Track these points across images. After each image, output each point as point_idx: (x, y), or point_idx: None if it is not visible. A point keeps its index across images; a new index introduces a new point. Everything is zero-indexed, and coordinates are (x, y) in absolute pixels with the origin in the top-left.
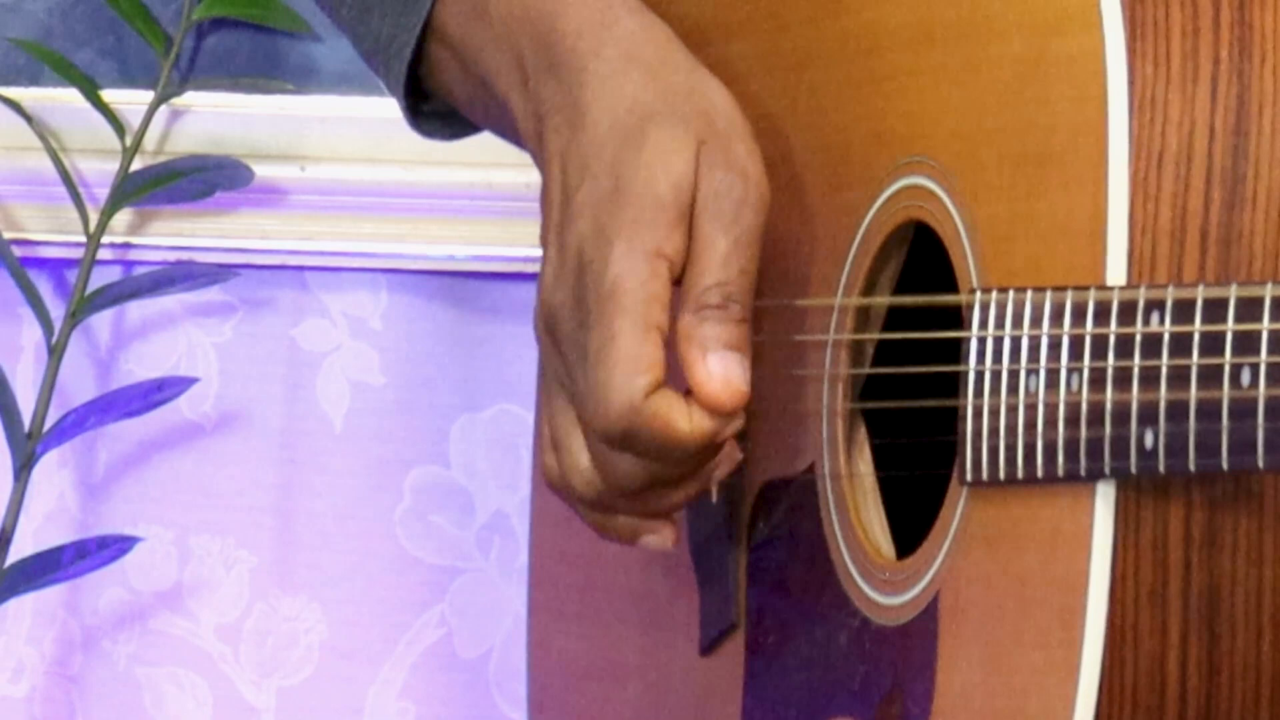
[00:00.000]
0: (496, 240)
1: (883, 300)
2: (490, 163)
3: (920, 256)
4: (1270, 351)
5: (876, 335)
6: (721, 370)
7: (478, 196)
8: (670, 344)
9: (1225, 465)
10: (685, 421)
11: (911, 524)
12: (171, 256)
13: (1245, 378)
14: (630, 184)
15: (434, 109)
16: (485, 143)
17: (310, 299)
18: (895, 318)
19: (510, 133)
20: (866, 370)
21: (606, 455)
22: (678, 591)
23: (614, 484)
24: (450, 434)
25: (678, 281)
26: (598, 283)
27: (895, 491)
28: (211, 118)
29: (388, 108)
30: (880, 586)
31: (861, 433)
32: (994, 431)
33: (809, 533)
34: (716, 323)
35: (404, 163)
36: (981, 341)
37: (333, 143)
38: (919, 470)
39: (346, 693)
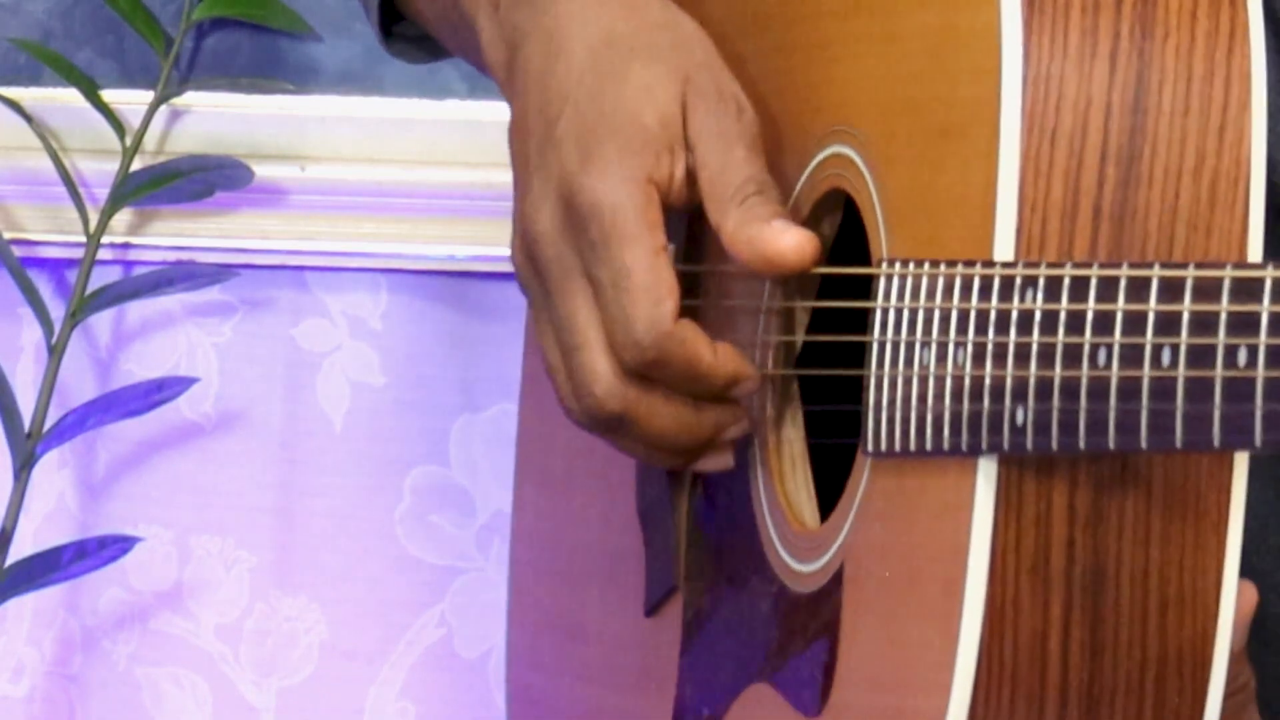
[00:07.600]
0: (496, 240)
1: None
2: (490, 163)
3: (856, 224)
4: (1125, 333)
5: (799, 303)
6: (787, 229)
7: (478, 196)
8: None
9: (1082, 445)
10: (709, 352)
11: (839, 493)
12: (171, 256)
13: (1101, 358)
14: (615, 114)
15: (403, 31)
16: (485, 143)
17: (310, 299)
18: (827, 286)
19: (475, 56)
20: (792, 337)
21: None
22: (629, 552)
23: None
24: (450, 434)
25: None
26: (595, 213)
27: (831, 460)
28: (211, 118)
29: (388, 108)
30: (797, 553)
31: (795, 400)
32: (893, 403)
33: (739, 498)
34: (765, 203)
35: (404, 163)
36: (885, 313)
37: (333, 143)
38: (849, 439)
39: (346, 693)
